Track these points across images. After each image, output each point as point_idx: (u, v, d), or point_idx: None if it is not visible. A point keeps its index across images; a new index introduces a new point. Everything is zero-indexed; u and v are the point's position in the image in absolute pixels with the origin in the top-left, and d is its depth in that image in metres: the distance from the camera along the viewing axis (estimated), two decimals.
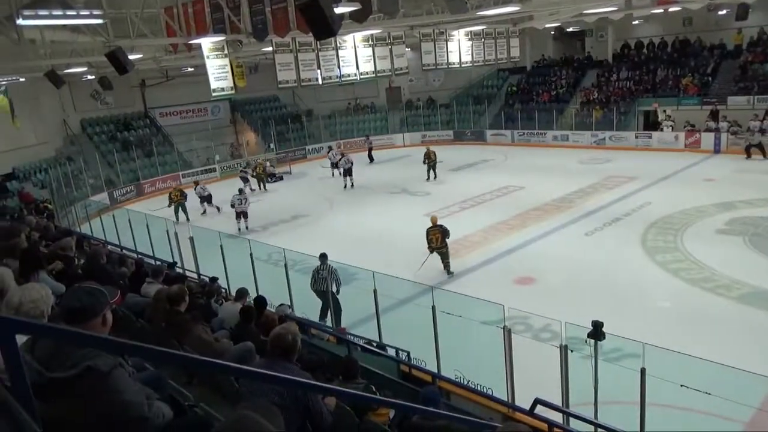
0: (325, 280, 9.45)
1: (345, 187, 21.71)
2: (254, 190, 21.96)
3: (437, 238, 11.82)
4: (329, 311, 9.56)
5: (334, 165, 23.69)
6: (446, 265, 11.98)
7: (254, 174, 22.99)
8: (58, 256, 6.20)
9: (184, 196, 18.94)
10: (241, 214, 17.17)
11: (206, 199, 19.52)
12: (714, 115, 22.60)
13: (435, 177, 21.58)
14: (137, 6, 12.25)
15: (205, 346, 4.94)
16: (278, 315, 7.10)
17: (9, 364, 1.71)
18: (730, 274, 10.52)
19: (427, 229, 12.02)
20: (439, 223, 12.10)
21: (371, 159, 26.88)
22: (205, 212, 19.36)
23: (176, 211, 18.44)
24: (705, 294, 10.00)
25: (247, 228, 17.17)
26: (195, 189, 19.73)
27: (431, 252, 11.88)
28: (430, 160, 21.51)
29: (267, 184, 23.49)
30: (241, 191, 18.03)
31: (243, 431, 1.80)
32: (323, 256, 9.79)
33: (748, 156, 20.22)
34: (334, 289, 9.58)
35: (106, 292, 2.47)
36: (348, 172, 21.75)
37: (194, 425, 2.87)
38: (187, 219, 18.40)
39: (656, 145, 23.67)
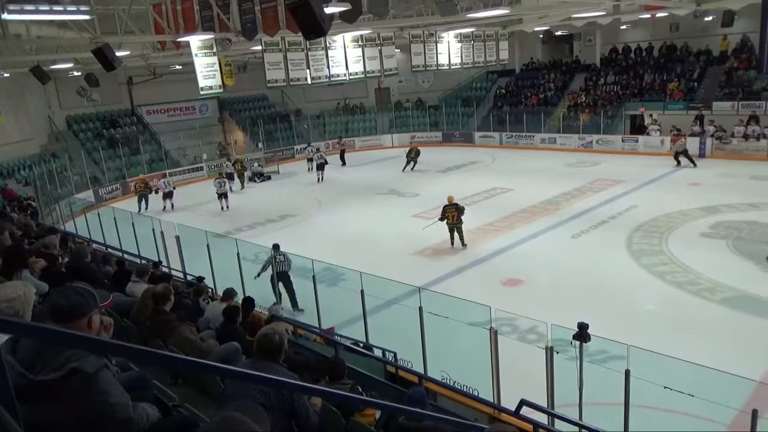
0: (282, 263, 10.47)
1: (318, 180, 23.03)
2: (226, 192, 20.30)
3: (453, 215, 13.19)
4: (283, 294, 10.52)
5: (310, 160, 24.92)
6: (461, 238, 13.43)
7: (235, 170, 23.19)
8: (42, 254, 6.13)
9: (147, 187, 19.99)
10: (222, 196, 19.03)
11: (168, 195, 19.91)
12: (699, 120, 22.86)
13: (411, 169, 23.53)
14: (125, 2, 12.14)
15: (190, 345, 4.91)
16: (268, 315, 7.08)
17: None
18: (714, 277, 10.64)
19: (444, 207, 13.37)
20: (454, 201, 13.47)
21: (343, 162, 26.64)
22: (165, 208, 19.55)
23: (139, 201, 19.50)
24: (689, 297, 10.10)
25: (228, 207, 19.27)
26: (160, 181, 20.44)
27: (441, 221, 13.39)
28: (411, 157, 23.59)
29: (254, 182, 23.68)
30: (221, 174, 20.01)
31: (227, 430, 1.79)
32: (276, 246, 10.71)
33: (678, 163, 20.53)
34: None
35: (96, 295, 2.43)
36: (320, 167, 23.17)
37: (180, 426, 2.84)
38: (146, 208, 19.24)
39: (643, 149, 23.89)
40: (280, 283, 10.43)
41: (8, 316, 2.50)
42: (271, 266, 10.45)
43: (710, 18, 23.74)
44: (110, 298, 2.61)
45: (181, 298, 6.74)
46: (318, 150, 24.66)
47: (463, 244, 13.42)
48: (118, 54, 11.82)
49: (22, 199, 18.42)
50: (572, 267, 11.83)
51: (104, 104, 27.39)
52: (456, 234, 13.38)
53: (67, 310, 2.29)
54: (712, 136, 21.96)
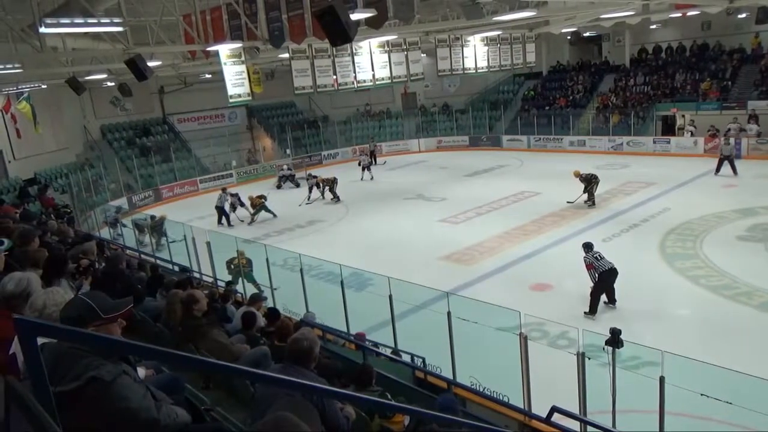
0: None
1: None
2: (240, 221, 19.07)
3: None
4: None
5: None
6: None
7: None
8: (78, 260, 6.27)
9: (264, 198, 19.07)
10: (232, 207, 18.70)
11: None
12: (755, 119, 21.99)
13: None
14: (156, 14, 12.44)
15: (221, 349, 4.97)
16: (296, 321, 7.11)
17: (30, 365, 1.74)
18: (751, 281, 10.34)
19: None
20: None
21: (374, 161, 27.34)
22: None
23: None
24: (725, 302, 9.83)
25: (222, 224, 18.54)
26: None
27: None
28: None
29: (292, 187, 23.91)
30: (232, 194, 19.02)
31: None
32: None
33: (718, 171, 18.80)
34: None
35: (96, 307, 2.40)
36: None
37: (212, 431, 2.88)
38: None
39: (675, 151, 23.39)
40: None
41: (56, 319, 2.57)
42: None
43: (744, 15, 23.17)
44: (128, 306, 2.56)
45: (212, 303, 6.83)
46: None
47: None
48: (149, 64, 12.11)
49: (59, 207, 18.94)
50: None
51: (137, 113, 28.06)
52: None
53: (65, 322, 2.34)
54: (757, 135, 21.33)
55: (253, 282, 11.19)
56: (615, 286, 9.72)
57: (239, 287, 10.42)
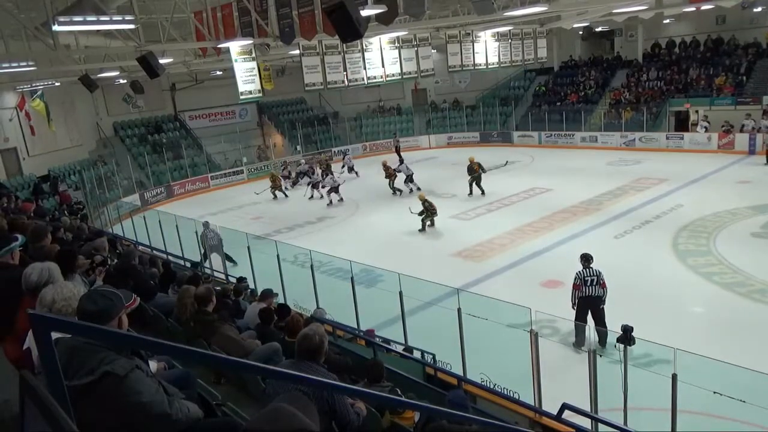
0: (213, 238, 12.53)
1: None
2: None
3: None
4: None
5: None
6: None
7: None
8: (92, 256, 6.34)
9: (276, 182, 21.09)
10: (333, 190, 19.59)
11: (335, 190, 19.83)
12: None
13: (481, 192, 18.49)
14: (168, 11, 12.51)
15: (233, 344, 5.01)
16: (307, 317, 7.13)
17: (44, 360, 1.76)
18: (766, 278, 10.22)
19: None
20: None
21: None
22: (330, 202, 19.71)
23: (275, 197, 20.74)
24: (739, 299, 9.74)
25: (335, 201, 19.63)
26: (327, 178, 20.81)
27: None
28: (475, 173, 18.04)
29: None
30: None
31: (277, 423, 1.80)
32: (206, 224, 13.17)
33: None
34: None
35: (122, 296, 2.49)
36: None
37: (223, 427, 2.90)
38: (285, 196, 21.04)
39: (688, 147, 23.15)
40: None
41: (66, 314, 2.59)
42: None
43: (759, 9, 22.87)
44: (133, 298, 2.66)
45: (223, 298, 6.87)
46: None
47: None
48: (161, 61, 12.19)
49: (72, 203, 19.12)
50: (615, 268, 11.46)
51: (149, 110, 28.26)
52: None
53: (96, 314, 2.35)
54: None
55: None
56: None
57: None
